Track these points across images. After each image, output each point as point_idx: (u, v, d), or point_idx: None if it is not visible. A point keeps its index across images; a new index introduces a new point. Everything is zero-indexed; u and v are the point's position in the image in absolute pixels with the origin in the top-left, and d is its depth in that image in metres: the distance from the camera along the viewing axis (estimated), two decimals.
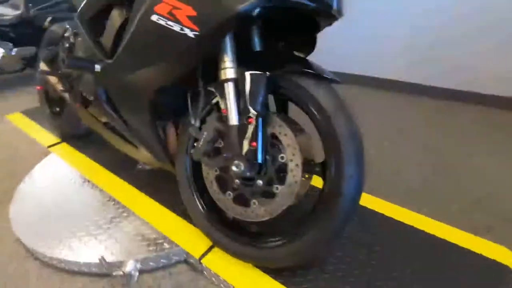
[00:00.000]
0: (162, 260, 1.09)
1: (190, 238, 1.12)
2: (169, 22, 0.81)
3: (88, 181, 1.47)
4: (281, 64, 0.89)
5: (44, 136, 1.90)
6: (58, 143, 1.81)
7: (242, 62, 0.88)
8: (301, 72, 0.87)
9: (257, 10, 0.79)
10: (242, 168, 0.87)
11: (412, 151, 1.78)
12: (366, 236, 1.12)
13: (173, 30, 0.81)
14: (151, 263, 1.08)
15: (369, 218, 1.20)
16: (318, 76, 0.86)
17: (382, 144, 1.85)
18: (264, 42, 0.97)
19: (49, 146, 1.78)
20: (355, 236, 1.11)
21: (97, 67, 1.04)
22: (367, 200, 1.28)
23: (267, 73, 0.85)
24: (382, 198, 1.31)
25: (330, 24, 0.93)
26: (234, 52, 0.88)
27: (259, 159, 0.86)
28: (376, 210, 1.24)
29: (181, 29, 0.80)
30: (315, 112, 0.85)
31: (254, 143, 0.86)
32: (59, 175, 1.55)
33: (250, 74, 0.86)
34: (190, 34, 0.80)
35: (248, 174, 0.87)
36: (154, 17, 0.84)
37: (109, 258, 1.05)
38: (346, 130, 0.83)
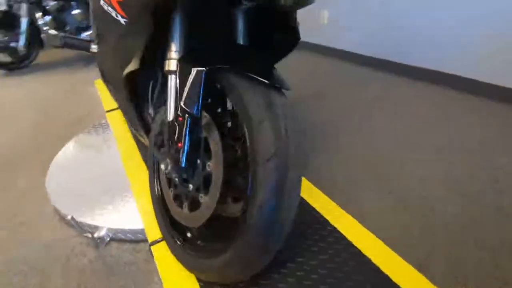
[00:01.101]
0: (128, 235, 1.17)
1: (153, 223, 1.15)
2: (109, 8, 0.80)
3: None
4: (233, 61, 0.78)
5: (109, 101, 2.23)
6: (114, 109, 2.09)
7: (204, 55, 0.80)
8: (245, 74, 0.74)
9: None
10: (168, 168, 0.82)
11: None
12: None
13: (112, 16, 0.80)
14: (119, 234, 1.17)
15: None
16: (265, 83, 0.72)
17: None
18: (250, 35, 0.87)
19: (107, 111, 2.07)
20: None
21: (93, 47, 1.12)
22: None
23: (204, 69, 0.76)
24: None
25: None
26: (182, 42, 0.81)
27: (182, 162, 0.80)
28: None
29: (116, 15, 0.78)
30: (242, 121, 0.72)
31: (180, 144, 0.79)
32: (101, 140, 1.80)
33: (186, 68, 0.77)
34: (122, 21, 0.76)
35: (173, 175, 0.82)
36: (101, 1, 0.83)
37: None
38: (267, 150, 0.67)
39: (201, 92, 0.78)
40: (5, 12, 3.29)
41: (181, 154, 0.80)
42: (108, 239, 1.18)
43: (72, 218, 1.12)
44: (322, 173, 1.46)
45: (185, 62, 0.78)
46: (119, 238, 1.19)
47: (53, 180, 1.50)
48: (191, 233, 0.96)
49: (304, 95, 2.32)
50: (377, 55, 2.78)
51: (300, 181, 0.75)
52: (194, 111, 0.77)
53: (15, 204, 1.45)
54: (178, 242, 0.94)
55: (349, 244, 1.00)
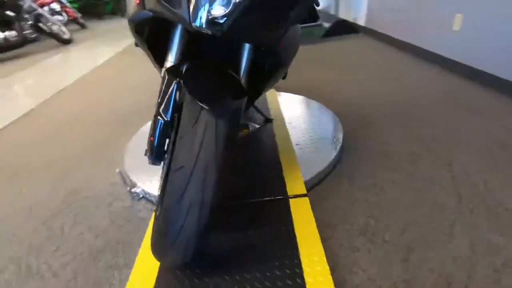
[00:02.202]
0: (152, 198, 1.50)
1: None
2: None
3: None
4: (203, 82, 0.92)
5: None
6: None
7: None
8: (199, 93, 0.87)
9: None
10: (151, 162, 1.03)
11: None
12: None
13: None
14: (147, 196, 1.52)
15: None
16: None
17: None
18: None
19: None
20: None
21: None
22: None
23: (176, 81, 0.93)
24: None
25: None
26: (177, 54, 0.99)
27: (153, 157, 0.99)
28: None
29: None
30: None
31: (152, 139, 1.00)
32: None
33: (167, 78, 0.96)
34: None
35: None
36: None
37: None
38: (178, 160, 0.79)
39: (173, 101, 0.95)
40: None
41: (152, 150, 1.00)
42: (141, 195, 1.54)
43: (120, 172, 1.52)
44: None
45: (169, 72, 0.97)
46: (148, 198, 1.53)
47: (133, 142, 2.00)
48: None
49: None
50: None
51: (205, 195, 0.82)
52: (167, 117, 0.96)
53: (111, 151, 2.02)
54: None
55: None
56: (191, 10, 0.77)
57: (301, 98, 2.38)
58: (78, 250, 1.28)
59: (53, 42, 6.05)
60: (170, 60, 1.01)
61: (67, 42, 5.90)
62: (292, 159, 1.59)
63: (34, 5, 5.24)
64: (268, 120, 2.00)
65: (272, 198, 1.34)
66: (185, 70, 0.94)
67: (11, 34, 4.87)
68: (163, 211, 0.84)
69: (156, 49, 1.14)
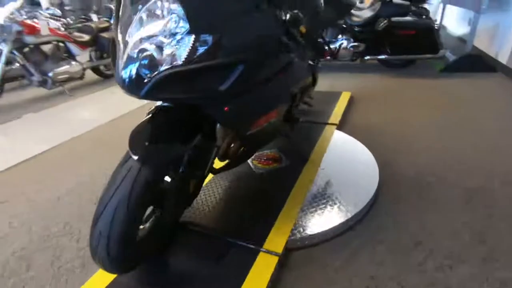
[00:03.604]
0: None
1: None
2: None
3: None
4: None
5: None
6: None
7: None
8: None
9: None
10: None
11: None
12: None
13: None
14: None
15: None
16: None
17: None
18: None
19: None
20: None
21: None
22: None
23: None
24: None
25: None
26: None
27: None
28: None
29: None
30: None
31: None
32: None
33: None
34: None
35: None
36: None
37: None
38: None
39: None
40: None
41: None
42: None
43: None
44: None
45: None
46: None
47: None
48: None
49: None
50: None
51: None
52: None
53: None
54: None
55: None
56: (120, 75, 0.89)
57: (354, 144, 2.15)
58: None
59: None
60: None
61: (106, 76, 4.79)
62: (295, 210, 1.50)
63: None
64: (303, 159, 1.92)
65: (245, 243, 1.32)
66: (157, 110, 1.06)
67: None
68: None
69: None
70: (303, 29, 1.08)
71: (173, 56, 0.82)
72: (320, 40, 2.16)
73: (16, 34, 3.37)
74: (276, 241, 1.33)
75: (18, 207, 1.79)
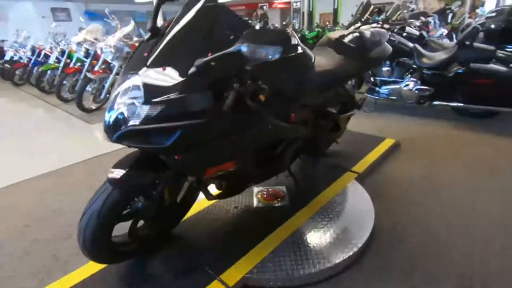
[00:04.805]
0: None
1: None
2: None
3: None
4: None
5: None
6: None
7: None
8: None
9: None
10: None
11: None
12: None
13: None
14: None
15: None
16: None
17: None
18: None
19: None
20: None
21: None
22: None
23: None
24: None
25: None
26: None
27: None
28: None
29: None
30: None
31: None
32: None
33: None
34: None
35: None
36: None
37: None
38: None
39: None
40: None
41: None
42: None
43: None
44: None
45: None
46: None
47: None
48: None
49: None
50: None
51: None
52: None
53: None
54: None
55: None
56: (104, 120, 1.22)
57: (365, 202, 2.03)
58: None
59: None
60: None
61: None
62: (263, 253, 1.60)
63: None
64: (302, 203, 1.98)
65: (206, 267, 1.51)
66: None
67: None
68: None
69: None
70: (262, 97, 1.24)
71: (136, 116, 1.14)
72: (343, 91, 2.20)
73: (126, 54, 4.27)
74: (233, 274, 1.48)
75: None
